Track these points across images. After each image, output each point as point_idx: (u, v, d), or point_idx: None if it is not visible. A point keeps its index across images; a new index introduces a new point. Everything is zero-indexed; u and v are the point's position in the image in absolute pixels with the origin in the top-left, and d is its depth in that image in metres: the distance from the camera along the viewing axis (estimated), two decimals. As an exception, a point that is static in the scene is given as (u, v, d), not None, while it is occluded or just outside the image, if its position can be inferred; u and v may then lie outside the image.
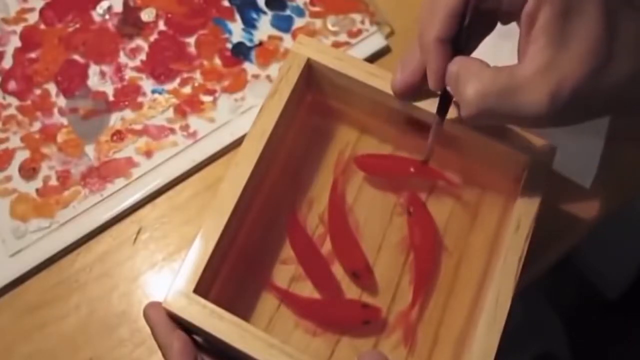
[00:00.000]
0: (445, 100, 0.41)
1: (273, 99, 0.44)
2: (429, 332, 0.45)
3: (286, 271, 0.47)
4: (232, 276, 0.46)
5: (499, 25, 0.40)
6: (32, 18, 0.60)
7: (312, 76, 0.47)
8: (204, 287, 0.40)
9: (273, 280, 0.46)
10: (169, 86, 0.56)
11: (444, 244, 0.47)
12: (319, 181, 0.50)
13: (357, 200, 0.49)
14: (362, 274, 0.46)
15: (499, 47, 0.44)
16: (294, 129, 0.49)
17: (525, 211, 0.40)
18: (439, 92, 0.41)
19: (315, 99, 0.49)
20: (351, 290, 0.46)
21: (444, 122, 0.41)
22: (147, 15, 0.59)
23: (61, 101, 0.56)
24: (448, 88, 0.39)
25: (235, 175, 0.42)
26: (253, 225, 0.47)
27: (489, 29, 0.40)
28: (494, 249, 0.44)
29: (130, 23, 0.59)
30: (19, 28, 0.59)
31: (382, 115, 0.47)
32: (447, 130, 0.43)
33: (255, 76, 0.56)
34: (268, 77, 0.56)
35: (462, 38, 0.37)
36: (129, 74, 0.57)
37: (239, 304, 0.45)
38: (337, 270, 0.47)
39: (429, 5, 0.37)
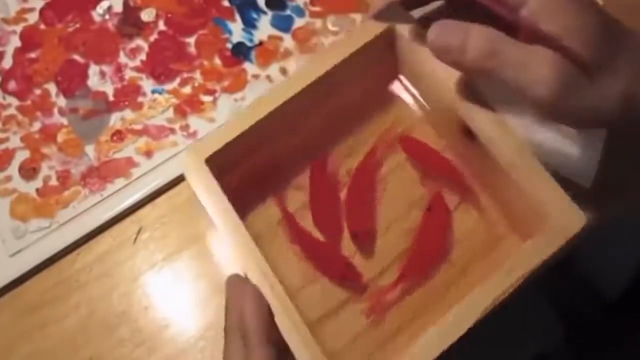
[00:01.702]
0: None
1: (353, 38, 0.45)
2: (398, 319, 0.45)
3: (297, 197, 0.48)
4: (251, 170, 0.47)
5: None
6: (32, 18, 0.60)
7: (395, 46, 0.47)
8: (222, 161, 0.43)
9: (283, 197, 0.47)
10: (169, 86, 0.56)
11: (450, 253, 0.46)
12: (364, 141, 0.50)
13: (388, 175, 0.49)
14: (362, 236, 0.47)
15: None
16: (363, 80, 0.48)
17: (523, 263, 0.40)
18: None
19: (391, 69, 0.49)
20: (349, 248, 0.47)
21: None
22: (147, 15, 0.59)
23: (61, 101, 0.56)
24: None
25: (299, 75, 0.44)
26: (286, 137, 0.47)
27: None
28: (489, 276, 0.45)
29: (130, 23, 0.59)
30: (19, 28, 0.59)
31: (446, 115, 0.47)
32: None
33: (255, 76, 0.56)
34: (268, 77, 0.56)
35: None
36: (129, 74, 0.57)
37: (245, 196, 0.46)
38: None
39: None
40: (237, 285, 0.40)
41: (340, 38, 0.46)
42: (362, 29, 0.46)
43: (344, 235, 0.47)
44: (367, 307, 0.45)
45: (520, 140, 0.41)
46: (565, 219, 0.40)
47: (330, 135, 0.50)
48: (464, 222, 0.47)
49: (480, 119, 0.43)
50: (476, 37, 0.36)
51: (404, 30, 0.45)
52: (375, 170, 0.49)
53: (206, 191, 0.42)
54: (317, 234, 0.47)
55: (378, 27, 0.45)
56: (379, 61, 0.47)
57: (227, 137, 0.43)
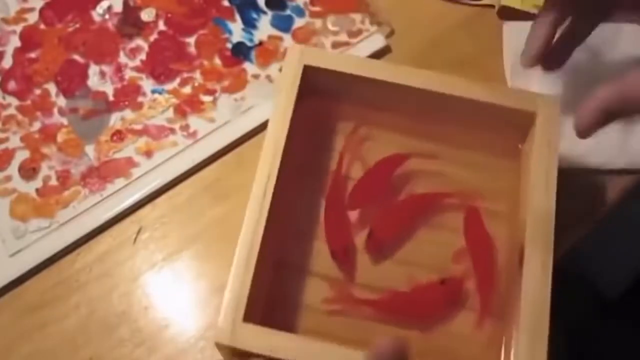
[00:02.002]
0: None
1: (278, 112, 0.46)
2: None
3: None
4: (271, 294, 0.46)
5: None
6: (32, 18, 0.60)
7: (310, 81, 0.47)
8: (251, 313, 0.41)
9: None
10: (169, 86, 0.56)
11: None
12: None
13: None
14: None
15: None
16: (301, 133, 0.49)
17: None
18: None
19: (316, 103, 0.50)
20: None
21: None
22: (147, 15, 0.59)
23: (61, 101, 0.56)
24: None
25: (255, 201, 0.43)
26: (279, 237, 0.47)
27: None
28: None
29: (130, 23, 0.59)
30: (19, 28, 0.59)
31: (384, 104, 0.48)
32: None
33: (255, 76, 0.56)
34: (268, 77, 0.56)
35: None
36: (129, 74, 0.57)
37: (284, 320, 0.46)
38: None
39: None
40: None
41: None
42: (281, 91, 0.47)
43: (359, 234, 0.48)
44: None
45: None
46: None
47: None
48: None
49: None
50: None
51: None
52: (344, 182, 0.49)
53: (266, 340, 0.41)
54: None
55: (292, 83, 0.47)
56: (305, 106, 0.48)
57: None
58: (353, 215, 0.48)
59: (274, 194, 0.43)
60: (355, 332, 0.45)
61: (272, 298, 0.46)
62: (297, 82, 0.46)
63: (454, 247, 0.47)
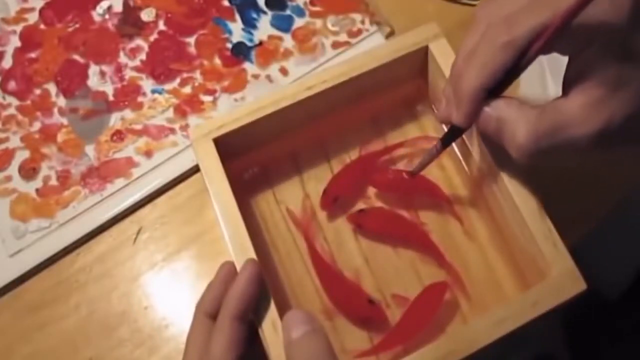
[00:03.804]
0: (455, 134, 0.41)
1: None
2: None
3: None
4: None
5: None
6: (32, 18, 0.60)
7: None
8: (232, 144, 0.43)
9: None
10: (169, 86, 0.56)
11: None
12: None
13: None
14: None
15: None
16: (393, 92, 0.49)
17: (516, 315, 0.39)
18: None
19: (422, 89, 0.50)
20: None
21: (443, 150, 0.42)
22: (147, 15, 0.59)
23: (61, 101, 0.56)
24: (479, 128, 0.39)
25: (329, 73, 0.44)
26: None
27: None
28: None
29: (130, 23, 0.59)
30: (19, 28, 0.59)
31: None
32: None
33: (255, 76, 0.56)
34: (268, 77, 0.56)
35: (503, 86, 0.37)
36: (129, 74, 0.57)
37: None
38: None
39: (468, 54, 0.37)
40: (227, 272, 0.40)
41: (381, 44, 0.47)
42: (401, 41, 0.46)
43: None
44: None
45: (534, 201, 0.41)
46: (565, 281, 0.39)
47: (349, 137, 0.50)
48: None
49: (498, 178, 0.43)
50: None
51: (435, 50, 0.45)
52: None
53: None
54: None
55: (414, 44, 0.46)
56: (410, 77, 0.47)
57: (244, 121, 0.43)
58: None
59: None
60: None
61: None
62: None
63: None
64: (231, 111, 0.45)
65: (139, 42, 0.58)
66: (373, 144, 0.50)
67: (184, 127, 0.55)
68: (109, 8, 0.60)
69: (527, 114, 0.35)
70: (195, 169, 0.54)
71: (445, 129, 0.42)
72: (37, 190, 0.53)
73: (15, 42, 0.59)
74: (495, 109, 0.37)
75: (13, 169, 0.54)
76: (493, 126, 0.37)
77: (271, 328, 0.38)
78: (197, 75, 0.57)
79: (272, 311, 0.38)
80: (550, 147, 0.35)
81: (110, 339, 0.49)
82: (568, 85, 0.36)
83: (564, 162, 0.39)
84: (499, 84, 0.37)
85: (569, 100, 0.35)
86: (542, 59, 0.47)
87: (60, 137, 0.55)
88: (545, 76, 0.54)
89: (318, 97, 0.45)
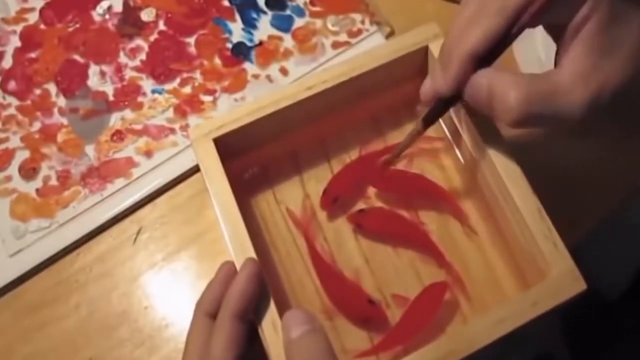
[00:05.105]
0: (439, 111, 0.40)
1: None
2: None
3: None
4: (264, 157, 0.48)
5: None
6: (32, 18, 0.60)
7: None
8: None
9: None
10: (169, 86, 0.56)
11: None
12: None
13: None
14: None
15: None
16: (393, 92, 0.48)
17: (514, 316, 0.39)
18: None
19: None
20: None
21: (425, 131, 0.42)
22: (147, 15, 0.59)
23: (61, 101, 0.56)
24: (466, 98, 0.38)
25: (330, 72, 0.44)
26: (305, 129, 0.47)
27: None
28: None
29: (130, 23, 0.59)
30: (19, 28, 0.59)
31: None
32: None
33: (255, 76, 0.56)
34: (268, 77, 0.56)
35: (494, 56, 0.37)
36: (129, 74, 0.57)
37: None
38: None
39: (466, 19, 0.37)
40: (227, 272, 0.40)
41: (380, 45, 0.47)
42: (401, 41, 0.46)
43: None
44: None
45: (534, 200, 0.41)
46: (565, 281, 0.39)
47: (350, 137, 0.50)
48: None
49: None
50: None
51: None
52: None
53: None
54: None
55: (414, 44, 0.45)
56: (410, 77, 0.47)
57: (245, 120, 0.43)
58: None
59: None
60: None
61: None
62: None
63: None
64: (231, 111, 0.45)
65: (139, 42, 0.58)
66: (373, 144, 0.50)
67: (184, 127, 0.55)
68: (109, 8, 0.60)
69: (519, 79, 0.35)
70: (195, 169, 0.54)
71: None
72: (37, 190, 0.53)
73: (15, 42, 0.59)
74: (487, 77, 0.36)
75: (13, 169, 0.54)
76: (484, 94, 0.36)
77: (271, 327, 0.38)
78: (197, 75, 0.57)
79: (272, 311, 0.38)
80: (541, 112, 0.35)
81: (110, 339, 0.49)
82: (559, 56, 0.36)
83: (553, 129, 0.39)
84: (489, 53, 0.36)
85: (560, 69, 0.35)
86: (538, 42, 0.46)
87: (60, 137, 0.55)
88: (541, 60, 0.53)
89: (318, 97, 0.45)
